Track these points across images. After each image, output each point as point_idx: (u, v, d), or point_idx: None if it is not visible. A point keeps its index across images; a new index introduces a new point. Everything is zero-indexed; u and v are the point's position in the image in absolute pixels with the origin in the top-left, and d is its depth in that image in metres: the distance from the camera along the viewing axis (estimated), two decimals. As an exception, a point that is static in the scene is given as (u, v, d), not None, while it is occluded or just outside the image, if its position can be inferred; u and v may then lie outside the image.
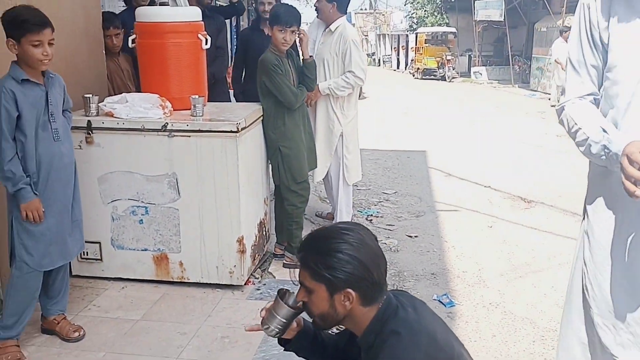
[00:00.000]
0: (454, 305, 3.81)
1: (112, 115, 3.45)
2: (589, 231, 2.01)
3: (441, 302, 3.86)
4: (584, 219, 2.07)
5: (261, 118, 3.84)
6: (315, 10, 4.76)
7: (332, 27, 4.62)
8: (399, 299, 1.72)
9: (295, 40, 3.96)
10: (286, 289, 1.89)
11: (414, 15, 28.40)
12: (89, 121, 3.42)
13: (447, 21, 26.41)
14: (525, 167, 7.91)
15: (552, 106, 13.34)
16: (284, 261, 3.98)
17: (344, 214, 4.94)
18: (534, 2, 20.38)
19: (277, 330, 1.84)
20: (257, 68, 5.33)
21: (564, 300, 2.27)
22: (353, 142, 4.78)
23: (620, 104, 1.79)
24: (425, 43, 24.19)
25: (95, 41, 4.02)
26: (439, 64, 23.41)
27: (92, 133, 3.43)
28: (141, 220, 3.54)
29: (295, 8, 3.98)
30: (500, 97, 17.38)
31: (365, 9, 43.91)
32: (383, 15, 39.07)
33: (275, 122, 3.81)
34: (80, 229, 3.02)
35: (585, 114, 1.86)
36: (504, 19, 20.25)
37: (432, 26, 26.23)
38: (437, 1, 26.88)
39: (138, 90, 3.96)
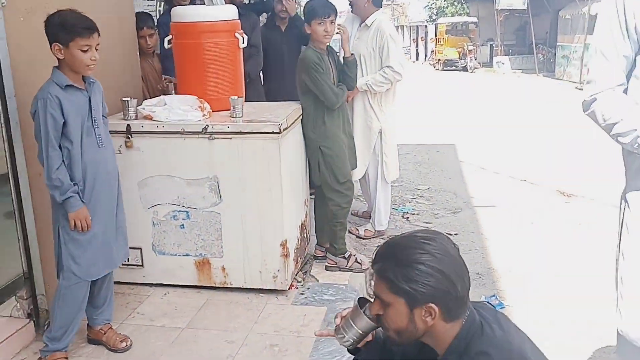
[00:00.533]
0: (503, 307, 3.68)
1: (151, 119, 3.37)
2: (629, 223, 1.97)
3: (490, 303, 3.73)
4: (622, 209, 2.06)
5: (300, 117, 3.74)
6: (350, 5, 4.64)
7: (368, 21, 4.49)
8: (481, 314, 1.61)
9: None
10: (366, 298, 1.79)
11: (433, 5, 28.04)
12: (128, 125, 3.35)
13: (468, 11, 26.06)
14: (558, 158, 7.73)
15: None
16: (327, 264, 3.88)
17: (382, 213, 4.83)
18: (557, -12, 19.98)
19: (352, 340, 1.74)
20: (276, 67, 5.31)
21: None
22: (392, 139, 4.66)
23: None
24: (445, 34, 23.90)
25: (130, 42, 3.95)
26: (460, 54, 23.14)
27: (131, 137, 3.36)
28: (182, 225, 3.47)
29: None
30: (524, 87, 17.09)
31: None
32: (401, 6, 38.69)
33: (315, 121, 3.70)
34: (125, 236, 2.95)
35: (624, 105, 1.86)
36: (527, 7, 19.87)
37: (452, 16, 25.88)
38: (457, -10, 26.55)
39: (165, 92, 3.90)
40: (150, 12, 4.59)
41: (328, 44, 3.76)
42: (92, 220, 2.69)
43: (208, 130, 3.30)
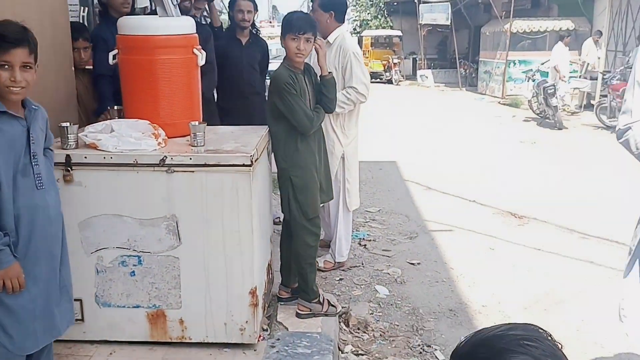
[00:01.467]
0: (487, 350, 3.41)
1: (96, 148, 2.85)
2: None
3: (472, 346, 3.46)
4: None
5: (267, 145, 3.33)
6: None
7: (330, 38, 4.15)
8: None
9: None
10: None
11: (357, 18, 28.21)
12: (67, 156, 2.81)
13: (391, 24, 26.39)
14: (502, 177, 7.70)
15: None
16: (298, 311, 3.46)
17: (342, 243, 4.48)
18: (477, 6, 20.54)
19: None
20: (233, 84, 4.86)
21: None
22: (354, 165, 4.33)
23: None
24: (370, 46, 24.02)
25: (64, 55, 3.39)
26: (385, 67, 23.31)
27: (71, 170, 2.82)
28: (133, 272, 2.96)
29: (308, 14, 3.50)
30: (451, 101, 17.38)
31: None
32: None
33: (287, 148, 3.30)
34: (70, 297, 2.43)
35: None
36: (450, 22, 20.32)
37: (376, 29, 26.12)
38: (381, 4, 26.80)
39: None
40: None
41: (304, 62, 3.38)
42: (27, 279, 2.17)
43: (166, 162, 2.82)
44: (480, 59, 19.26)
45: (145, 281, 2.97)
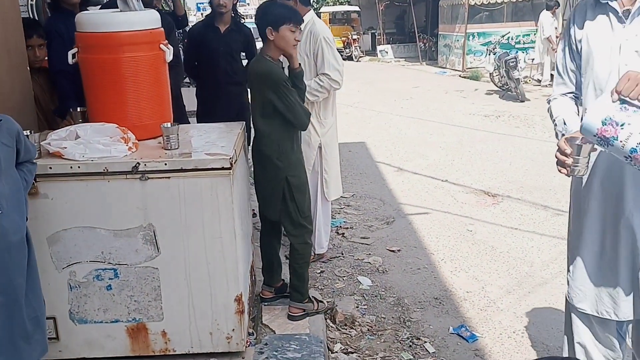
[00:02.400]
0: (477, 339, 3.40)
1: (61, 157, 2.65)
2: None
3: (461, 335, 3.44)
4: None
5: (244, 142, 3.17)
6: None
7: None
8: None
9: None
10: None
11: (314, -6, 27.83)
12: (30, 167, 2.60)
13: (349, 0, 26.11)
14: (470, 153, 7.71)
15: (544, 86, 13.01)
16: (290, 313, 3.33)
17: (322, 235, 4.38)
18: (434, -22, 20.46)
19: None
20: (209, 74, 4.60)
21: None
22: (332, 154, 4.21)
23: (592, 96, 2.23)
24: (329, 23, 23.74)
25: (18, 54, 3.14)
26: (345, 43, 23.10)
27: (35, 182, 2.61)
28: (109, 285, 2.79)
29: None
30: (412, 76, 17.34)
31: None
32: (278, -7, 38.15)
33: (282, 147, 3.14)
34: (43, 328, 2.24)
35: (560, 107, 2.37)
36: (408, -4, 20.20)
37: (334, 5, 25.82)
38: (337, -21, 26.51)
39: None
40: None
41: None
42: None
43: (139, 169, 2.64)
44: (439, 33, 19.23)
45: (123, 294, 2.81)
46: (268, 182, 3.20)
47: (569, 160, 2.05)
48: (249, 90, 3.35)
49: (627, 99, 1.85)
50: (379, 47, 22.96)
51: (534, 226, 5.07)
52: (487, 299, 3.86)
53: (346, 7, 25.12)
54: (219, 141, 2.95)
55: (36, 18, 4.63)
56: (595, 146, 1.98)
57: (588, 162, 2.07)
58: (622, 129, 1.83)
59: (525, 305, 3.75)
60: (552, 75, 12.51)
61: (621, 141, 1.83)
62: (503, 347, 3.32)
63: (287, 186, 3.15)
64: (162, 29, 3.02)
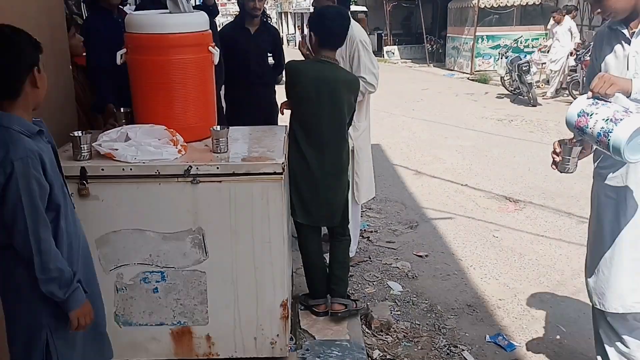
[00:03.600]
0: (515, 348, 3.38)
1: (112, 158, 2.63)
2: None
3: (498, 344, 3.43)
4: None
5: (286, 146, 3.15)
6: (314, 9, 4.08)
7: None
8: None
9: None
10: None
11: (321, -7, 27.73)
12: (82, 168, 2.58)
13: (356, 0, 26.05)
14: (488, 158, 7.70)
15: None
16: (333, 310, 3.39)
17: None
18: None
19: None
20: (240, 75, 4.57)
21: None
22: (365, 158, 4.18)
23: None
24: (336, 22, 23.67)
25: (62, 54, 3.13)
26: (352, 43, 23.00)
27: (87, 183, 2.60)
28: (155, 288, 2.78)
29: None
30: (420, 77, 17.33)
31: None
32: (284, -8, 38.12)
33: (347, 151, 3.35)
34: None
35: None
36: (416, -2, 20.18)
37: (341, 4, 25.74)
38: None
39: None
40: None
41: None
42: None
43: (192, 172, 2.63)
44: (447, 35, 19.21)
45: (170, 298, 2.79)
46: (343, 191, 3.30)
47: (558, 159, 2.47)
48: (316, 97, 3.15)
49: (598, 94, 2.25)
50: (385, 48, 22.94)
51: (560, 234, 5.06)
52: (520, 307, 3.85)
53: (353, 7, 24.99)
54: (265, 145, 2.93)
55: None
56: (576, 138, 2.42)
57: (577, 162, 2.47)
58: (590, 118, 2.24)
59: (560, 314, 3.74)
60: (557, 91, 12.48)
61: (590, 128, 2.23)
62: (542, 357, 3.31)
63: (348, 190, 3.28)
64: (211, 31, 3.00)
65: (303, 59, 3.64)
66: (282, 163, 2.66)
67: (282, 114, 3.59)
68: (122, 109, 3.10)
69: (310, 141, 3.14)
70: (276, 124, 4.55)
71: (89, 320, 1.97)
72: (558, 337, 3.49)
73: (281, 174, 2.66)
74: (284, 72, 3.37)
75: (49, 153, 1.90)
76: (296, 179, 3.17)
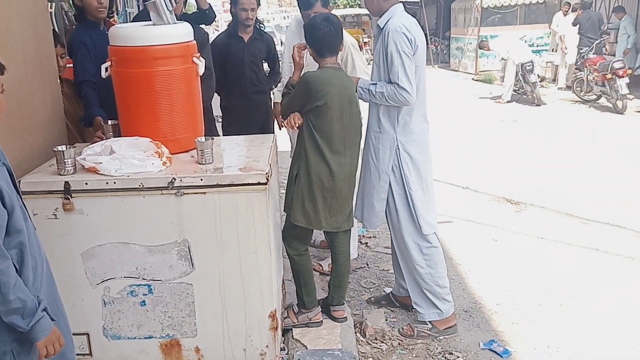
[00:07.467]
0: (510, 354, 3.34)
1: (96, 172, 2.63)
2: None
3: (493, 350, 3.39)
4: None
5: (276, 154, 3.14)
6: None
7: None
8: None
9: None
10: None
11: (324, -4, 27.76)
12: (66, 183, 2.58)
13: (359, 2, 26.07)
14: (489, 159, 7.64)
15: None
16: (336, 315, 3.43)
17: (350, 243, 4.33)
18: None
19: None
20: (235, 82, 4.53)
21: None
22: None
23: None
24: (340, 25, 23.69)
25: (50, 67, 3.13)
26: (356, 46, 23.02)
27: (71, 197, 2.60)
28: (143, 301, 2.77)
29: None
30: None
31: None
32: (288, -4, 38.19)
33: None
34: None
35: None
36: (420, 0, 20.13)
37: (344, 8, 25.79)
38: (347, -18, 26.48)
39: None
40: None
41: None
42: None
43: (175, 185, 2.62)
44: (451, 36, 19.15)
45: (157, 310, 2.78)
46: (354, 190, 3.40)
47: None
48: (339, 105, 3.10)
49: None
50: (389, 50, 22.86)
51: (561, 236, 5.01)
52: (518, 311, 3.80)
53: (357, 10, 25.03)
54: (252, 155, 2.92)
55: (55, 27, 4.60)
56: None
57: None
58: None
59: (558, 319, 3.69)
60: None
61: None
62: (535, 356, 3.27)
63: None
64: (195, 42, 2.99)
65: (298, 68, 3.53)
66: (266, 173, 2.64)
67: (281, 129, 3.60)
68: (109, 122, 3.10)
69: (332, 148, 3.09)
70: (272, 131, 4.54)
71: (57, 347, 1.91)
72: (555, 342, 3.44)
73: (265, 184, 2.64)
74: (299, 85, 3.14)
75: (4, 176, 1.81)
76: (320, 187, 3.10)
